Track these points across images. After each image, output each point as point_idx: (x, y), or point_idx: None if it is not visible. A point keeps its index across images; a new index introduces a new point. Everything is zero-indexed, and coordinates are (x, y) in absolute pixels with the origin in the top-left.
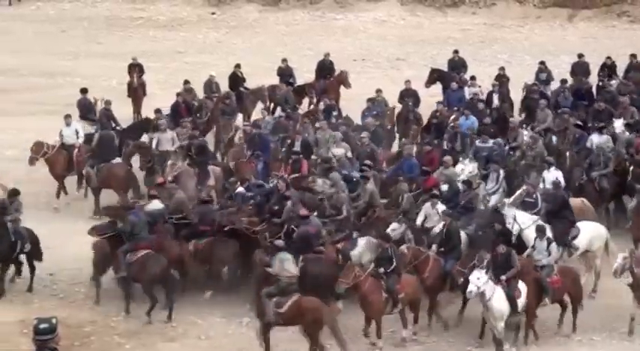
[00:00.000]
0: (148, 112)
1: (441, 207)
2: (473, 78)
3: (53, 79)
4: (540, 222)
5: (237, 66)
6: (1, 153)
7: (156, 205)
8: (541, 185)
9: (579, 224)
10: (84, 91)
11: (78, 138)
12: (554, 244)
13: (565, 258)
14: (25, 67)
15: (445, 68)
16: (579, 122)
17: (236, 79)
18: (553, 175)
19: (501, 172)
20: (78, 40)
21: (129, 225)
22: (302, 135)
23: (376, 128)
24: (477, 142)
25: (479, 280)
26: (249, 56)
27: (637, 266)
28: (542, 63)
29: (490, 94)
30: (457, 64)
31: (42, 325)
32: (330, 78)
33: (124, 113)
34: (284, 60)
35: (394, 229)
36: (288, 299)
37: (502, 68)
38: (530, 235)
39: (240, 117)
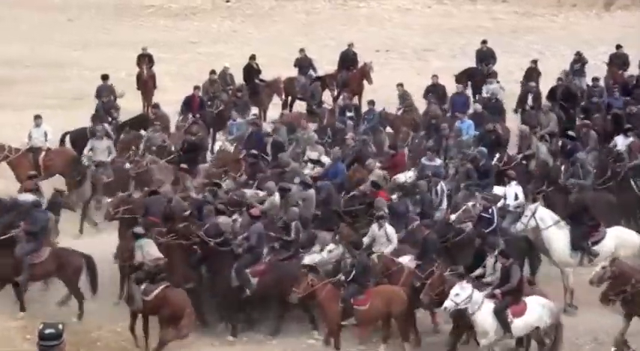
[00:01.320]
0: None
1: (389, 229)
2: (490, 75)
3: (59, 70)
4: (562, 223)
5: (252, 57)
6: None
7: (27, 197)
8: (502, 201)
9: (608, 229)
10: (105, 77)
11: (46, 140)
12: (498, 264)
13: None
14: (30, 57)
15: (472, 60)
16: (572, 133)
17: (251, 71)
18: (513, 190)
19: (441, 186)
20: (85, 29)
21: (38, 225)
22: (273, 136)
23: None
24: (423, 160)
25: (457, 296)
26: (265, 46)
27: None
28: (577, 54)
29: (525, 94)
30: (486, 55)
31: (47, 331)
32: (353, 70)
33: (133, 107)
34: (301, 50)
35: (330, 250)
36: (156, 288)
37: (534, 61)
38: (552, 237)
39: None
